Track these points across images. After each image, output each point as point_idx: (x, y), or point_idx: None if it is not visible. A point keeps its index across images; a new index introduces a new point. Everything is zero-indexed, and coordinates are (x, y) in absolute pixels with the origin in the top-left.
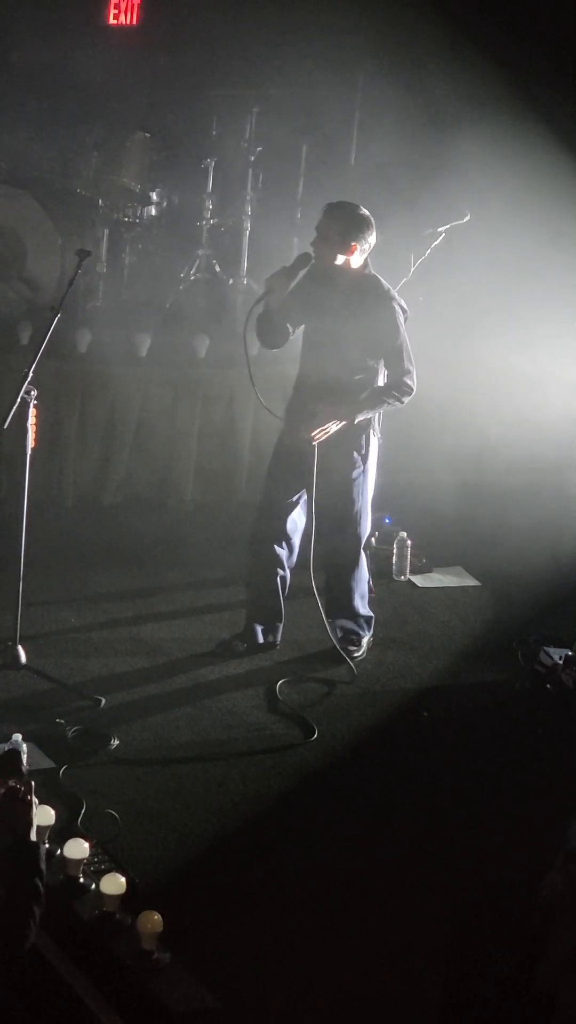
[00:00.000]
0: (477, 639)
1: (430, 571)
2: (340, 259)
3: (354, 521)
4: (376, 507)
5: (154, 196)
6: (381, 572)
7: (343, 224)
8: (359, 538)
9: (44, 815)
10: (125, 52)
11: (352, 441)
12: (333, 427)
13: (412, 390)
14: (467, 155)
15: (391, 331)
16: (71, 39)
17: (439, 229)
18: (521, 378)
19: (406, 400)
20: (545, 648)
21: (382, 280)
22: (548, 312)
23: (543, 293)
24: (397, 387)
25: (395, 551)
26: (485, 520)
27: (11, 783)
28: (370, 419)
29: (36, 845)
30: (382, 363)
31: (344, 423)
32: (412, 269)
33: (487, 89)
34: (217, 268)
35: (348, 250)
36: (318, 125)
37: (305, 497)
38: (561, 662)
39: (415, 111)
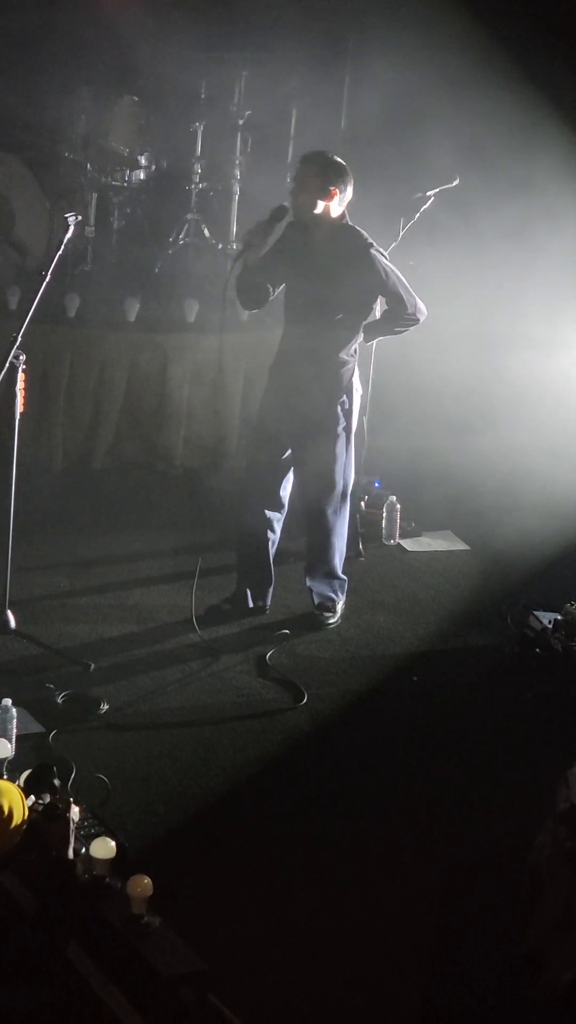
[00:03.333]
0: (466, 603)
1: (419, 535)
2: (320, 207)
3: (338, 477)
4: (366, 471)
5: (143, 160)
6: (370, 536)
7: (321, 169)
8: (344, 495)
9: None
10: (113, 15)
11: (335, 396)
12: None
13: (418, 320)
14: (457, 118)
15: (377, 281)
16: (59, 2)
17: (428, 193)
18: (512, 341)
19: (419, 317)
20: (534, 612)
21: (361, 230)
22: (539, 276)
23: (535, 257)
24: (403, 320)
25: (384, 515)
26: (475, 484)
27: (50, 800)
28: (352, 373)
29: (73, 863)
30: (373, 308)
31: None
32: (401, 233)
33: (478, 52)
34: (206, 232)
35: (328, 195)
36: (308, 88)
37: (292, 457)
38: (550, 626)
39: (405, 74)
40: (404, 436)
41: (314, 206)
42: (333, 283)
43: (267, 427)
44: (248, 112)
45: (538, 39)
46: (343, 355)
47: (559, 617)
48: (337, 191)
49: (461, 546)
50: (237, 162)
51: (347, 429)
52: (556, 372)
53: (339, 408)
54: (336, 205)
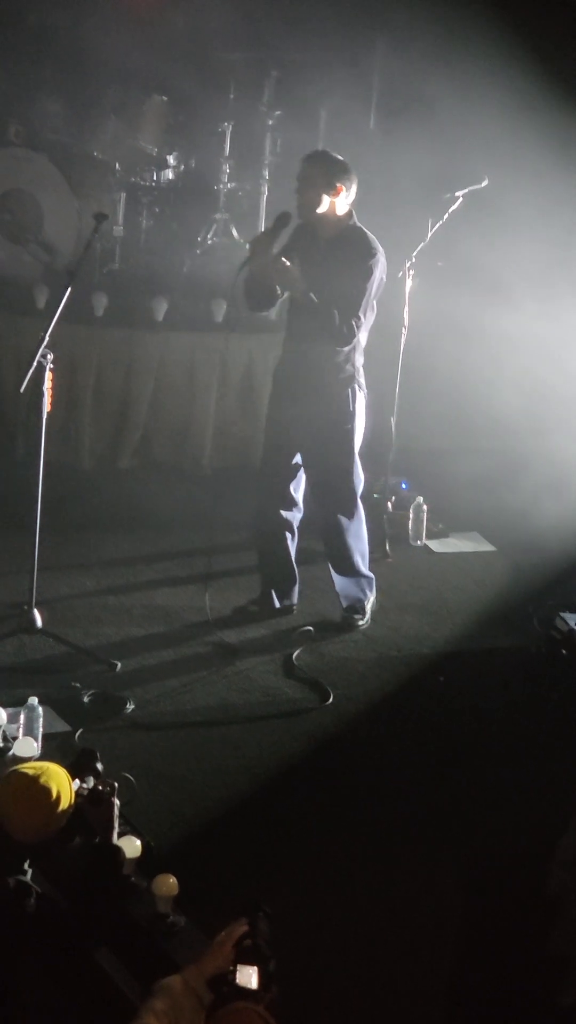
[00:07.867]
0: (493, 604)
1: (447, 536)
2: (325, 203)
3: (347, 477)
4: (393, 472)
5: (171, 160)
6: (397, 537)
7: (326, 166)
8: (354, 493)
9: None
10: (143, 14)
11: (340, 396)
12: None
13: (351, 334)
14: (487, 119)
15: (359, 276)
16: (88, 2)
17: (457, 193)
18: (539, 343)
19: (341, 340)
20: (561, 613)
21: (367, 232)
22: (567, 277)
23: (563, 258)
24: (342, 316)
25: (412, 516)
26: (502, 485)
27: (96, 784)
28: (355, 373)
29: (117, 848)
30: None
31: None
32: (429, 234)
33: (508, 52)
34: (235, 232)
35: (334, 191)
36: (337, 89)
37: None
38: None
39: (435, 74)
40: (430, 437)
41: (319, 203)
42: (334, 275)
43: (274, 432)
44: (277, 112)
45: (570, 37)
46: (341, 358)
47: None
48: (343, 187)
49: (488, 547)
50: (266, 162)
51: (353, 430)
52: None
53: (344, 408)
54: (342, 202)
